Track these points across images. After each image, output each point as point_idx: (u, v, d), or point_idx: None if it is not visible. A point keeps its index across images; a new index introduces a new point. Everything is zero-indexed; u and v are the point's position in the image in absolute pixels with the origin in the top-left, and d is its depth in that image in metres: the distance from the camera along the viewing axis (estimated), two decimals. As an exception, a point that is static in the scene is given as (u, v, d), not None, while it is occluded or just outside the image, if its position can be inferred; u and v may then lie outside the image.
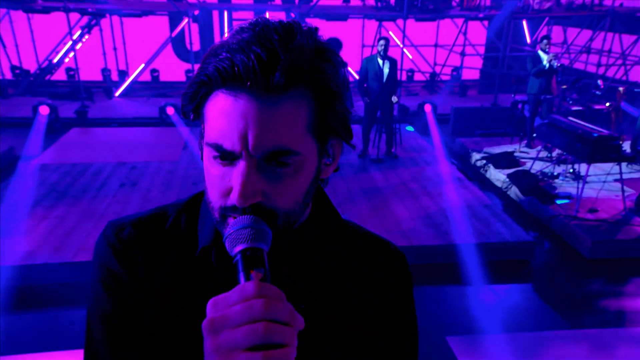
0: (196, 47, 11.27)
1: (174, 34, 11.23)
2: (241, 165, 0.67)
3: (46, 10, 9.26)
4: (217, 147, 0.69)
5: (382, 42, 6.82)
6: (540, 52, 7.26)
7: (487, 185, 6.86)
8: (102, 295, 0.81)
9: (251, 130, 0.66)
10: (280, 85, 0.65)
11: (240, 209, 0.70)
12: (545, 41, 7.34)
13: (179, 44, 11.59)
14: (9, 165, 6.96)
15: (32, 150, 7.33)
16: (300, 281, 0.76)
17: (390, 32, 10.65)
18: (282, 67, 0.64)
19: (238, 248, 0.66)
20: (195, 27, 10.92)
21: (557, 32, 11.41)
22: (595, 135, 5.48)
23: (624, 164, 6.31)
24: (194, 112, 0.76)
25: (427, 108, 9.13)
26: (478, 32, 12.10)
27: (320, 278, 0.85)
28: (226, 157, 0.70)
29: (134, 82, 11.04)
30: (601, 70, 9.81)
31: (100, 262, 0.83)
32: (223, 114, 0.68)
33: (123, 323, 0.82)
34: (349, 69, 7.20)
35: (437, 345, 3.77)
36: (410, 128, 8.62)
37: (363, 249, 0.94)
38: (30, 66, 10.69)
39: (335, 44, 6.98)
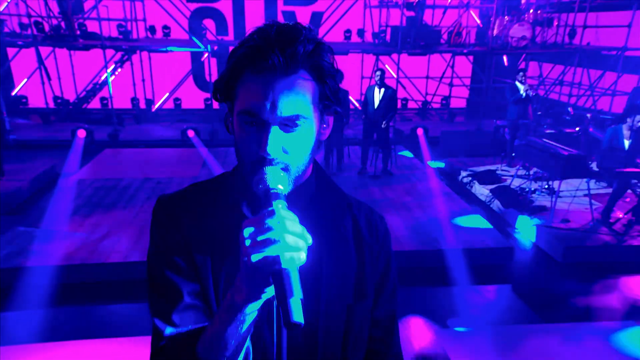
0: (214, 78, 11.37)
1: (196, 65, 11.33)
2: (268, 127, 0.78)
3: (86, 48, 9.45)
4: (249, 113, 0.79)
5: (378, 72, 6.85)
6: (518, 83, 7.32)
7: (472, 199, 6.83)
8: (155, 247, 0.93)
9: (276, 101, 0.77)
10: (295, 67, 0.77)
11: (267, 159, 0.80)
12: (521, 73, 7.38)
13: (199, 76, 11.69)
14: (51, 180, 7.00)
15: (71, 168, 7.38)
16: (304, 225, 0.79)
17: (387, 65, 10.74)
18: (296, 53, 0.76)
19: (265, 187, 0.77)
20: (214, 61, 10.98)
21: (533, 67, 11.47)
22: (566, 154, 5.54)
23: (591, 181, 6.33)
24: (225, 93, 0.86)
25: (419, 132, 9.25)
26: (464, 65, 12.13)
27: (320, 224, 0.93)
28: (255, 121, 0.79)
29: (159, 109, 11.20)
30: (572, 100, 9.90)
31: (155, 220, 0.95)
32: (252, 88, 0.79)
33: (172, 275, 0.90)
34: (350, 97, 7.32)
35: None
36: (408, 153, 8.66)
37: (352, 206, 1.02)
38: (70, 96, 10.77)
39: (339, 74, 7.24)
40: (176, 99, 11.50)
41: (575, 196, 6.24)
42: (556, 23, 10.46)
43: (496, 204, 6.36)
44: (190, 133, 9.13)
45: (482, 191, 6.82)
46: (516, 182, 6.75)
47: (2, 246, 4.75)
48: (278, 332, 0.90)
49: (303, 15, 11.77)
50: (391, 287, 1.10)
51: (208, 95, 11.57)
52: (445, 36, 10.56)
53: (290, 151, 0.82)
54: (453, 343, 3.70)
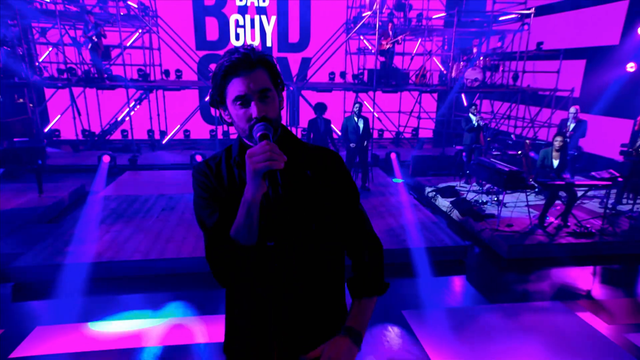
0: (219, 112, 11.60)
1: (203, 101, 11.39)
2: (253, 101, 1.11)
3: (112, 88, 9.51)
4: (239, 97, 1.12)
5: (357, 105, 6.94)
6: (471, 115, 7.47)
7: (435, 209, 6.95)
8: (200, 198, 1.24)
9: (251, 84, 1.11)
10: (255, 66, 1.12)
11: (257, 119, 1.11)
12: (473, 107, 7.48)
13: (205, 111, 11.78)
14: (81, 197, 7.11)
15: (98, 186, 7.49)
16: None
17: (365, 102, 10.77)
18: (253, 60, 1.11)
19: (259, 133, 1.08)
20: None
21: (486, 104, 11.69)
22: (507, 170, 5.71)
23: (531, 194, 6.69)
24: (219, 97, 1.18)
25: (393, 156, 9.40)
26: (429, 102, 12.32)
27: (291, 165, 1.17)
28: (243, 101, 1.11)
29: (170, 139, 11.15)
30: (518, 131, 10.12)
31: (195, 178, 1.27)
32: (237, 83, 1.12)
33: (210, 205, 1.21)
34: (332, 126, 7.52)
35: (395, 316, 3.90)
36: (397, 180, 8.58)
37: (314, 151, 1.29)
38: (96, 129, 10.82)
39: (321, 107, 7.47)
40: (186, 131, 11.56)
41: (517, 206, 6.45)
42: (502, 68, 10.65)
43: (455, 213, 6.51)
44: (199, 157, 9.14)
45: (443, 203, 6.97)
46: (471, 195, 6.94)
47: (44, 247, 4.83)
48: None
49: (294, 61, 11.89)
50: (359, 210, 1.34)
51: (213, 127, 11.58)
52: (412, 77, 10.69)
53: (268, 113, 1.14)
54: (418, 321, 3.84)
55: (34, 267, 4.44)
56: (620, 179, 5.65)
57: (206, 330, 3.67)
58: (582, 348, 3.51)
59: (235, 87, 1.14)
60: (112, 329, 3.69)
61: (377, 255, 1.35)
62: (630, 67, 7.63)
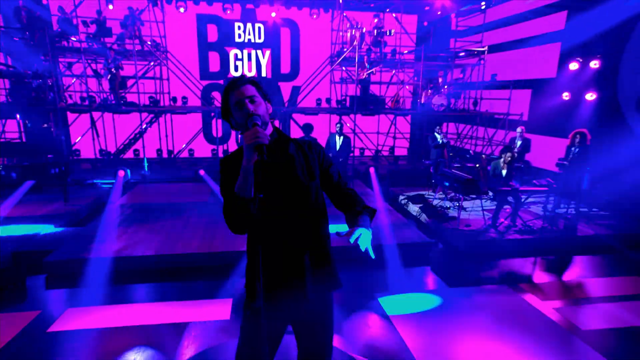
0: (220, 134, 11.48)
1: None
2: (245, 103, 1.44)
3: (127, 112, 9.73)
4: (236, 102, 1.45)
5: (338, 125, 7.26)
6: (436, 134, 7.79)
7: (407, 214, 7.12)
8: (224, 177, 1.52)
9: (243, 92, 1.44)
10: (246, 83, 1.46)
11: (251, 114, 1.42)
12: (437, 127, 7.85)
13: (207, 133, 11.90)
14: (100, 205, 7.26)
15: (114, 197, 7.57)
16: (272, 152, 1.43)
17: (347, 124, 11.05)
18: (245, 80, 1.46)
19: (251, 122, 1.39)
20: (219, 122, 11.18)
21: (452, 126, 11.98)
22: (464, 178, 6.07)
23: (487, 200, 7.00)
24: (225, 108, 1.50)
25: (371, 170, 9.18)
26: (403, 124, 12.58)
27: (280, 152, 1.50)
28: (239, 104, 1.43)
29: (177, 157, 11.28)
30: (479, 149, 10.41)
31: (221, 165, 1.57)
32: (234, 94, 1.45)
33: (228, 184, 1.49)
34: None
35: (371, 303, 4.04)
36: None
37: (298, 141, 1.60)
38: (112, 148, 10.92)
39: (309, 127, 7.98)
40: (190, 150, 11.68)
41: (474, 210, 6.81)
42: (463, 96, 11.10)
43: (423, 217, 6.70)
44: (202, 172, 9.19)
45: (414, 208, 7.18)
46: (437, 202, 7.25)
47: (71, 245, 5.02)
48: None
49: (286, 88, 12.11)
50: (335, 169, 1.64)
51: (214, 146, 11.72)
52: (388, 103, 10.94)
53: (257, 110, 1.48)
54: (390, 304, 4.01)
55: (63, 261, 4.63)
56: (554, 185, 6.11)
57: (208, 311, 3.85)
58: (522, 321, 3.79)
59: (233, 96, 1.51)
60: (128, 310, 3.86)
61: (355, 192, 1.67)
62: (565, 95, 8.27)
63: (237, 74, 11.83)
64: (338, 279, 1.60)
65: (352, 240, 1.38)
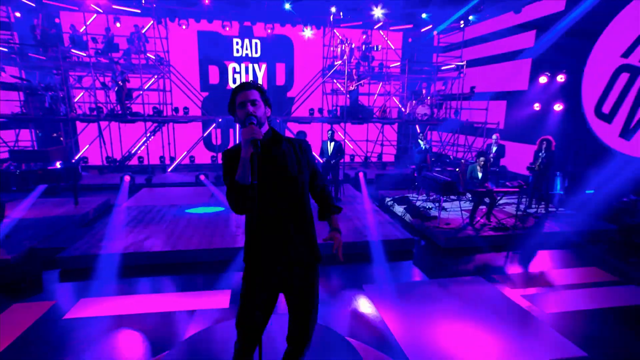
0: (219, 142, 11.67)
1: (204, 134, 11.66)
2: (248, 104, 1.62)
3: (132, 121, 9.90)
4: (241, 102, 1.63)
5: (330, 132, 7.38)
6: (419, 140, 7.98)
7: (393, 215, 7.24)
8: (225, 167, 1.67)
9: (247, 95, 1.62)
10: (251, 88, 1.65)
11: (250, 114, 1.60)
12: (421, 135, 8.05)
13: (207, 141, 11.99)
14: (108, 207, 7.39)
15: (121, 200, 7.70)
16: (266, 148, 1.63)
17: (339, 132, 11.16)
18: (251, 85, 1.64)
19: (249, 121, 1.57)
20: (218, 131, 11.51)
21: (435, 134, 12.18)
22: (443, 180, 6.24)
23: (463, 200, 7.22)
24: (232, 105, 1.66)
25: (360, 175, 9.67)
26: (390, 132, 12.77)
27: (273, 148, 1.66)
28: (242, 104, 1.60)
29: (178, 164, 11.37)
30: (460, 155, 10.66)
31: (223, 157, 1.71)
32: (240, 96, 1.63)
33: (230, 173, 1.64)
34: (313, 153, 7.79)
35: (357, 291, 4.17)
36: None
37: (290, 139, 1.76)
38: (117, 155, 10.96)
39: (303, 135, 8.24)
40: (191, 157, 11.77)
41: (453, 210, 7.03)
42: (445, 106, 11.36)
43: (407, 217, 6.85)
44: (202, 177, 9.44)
45: (399, 209, 7.32)
46: (419, 203, 7.44)
47: (82, 243, 5.15)
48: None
49: (281, 99, 12.25)
50: (316, 169, 1.82)
51: (214, 153, 11.83)
52: (376, 112, 11.10)
53: (256, 112, 1.65)
54: (376, 293, 4.17)
55: (75, 257, 4.77)
56: (525, 187, 6.38)
57: (209, 301, 4.00)
58: (491, 305, 3.99)
59: (239, 98, 1.70)
60: (136, 300, 3.99)
61: (329, 192, 1.92)
62: (536, 106, 8.63)
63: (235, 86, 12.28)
64: (318, 250, 1.80)
65: (335, 250, 1.78)
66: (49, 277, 4.55)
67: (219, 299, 4.01)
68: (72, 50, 9.31)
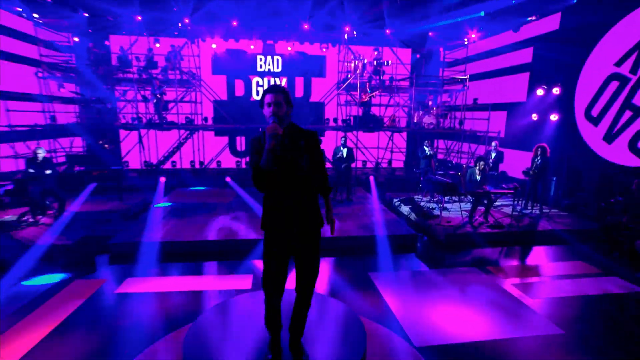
0: (243, 148, 11.96)
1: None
2: (273, 105, 1.92)
3: (168, 129, 10.45)
4: (268, 103, 1.93)
5: (342, 138, 7.68)
6: (425, 147, 8.12)
7: (400, 214, 7.36)
8: (252, 153, 1.97)
9: (273, 98, 1.91)
10: (279, 91, 1.95)
11: (274, 113, 1.90)
12: (426, 142, 8.21)
13: (232, 147, 12.25)
14: (147, 205, 7.71)
15: (157, 199, 8.01)
16: (286, 140, 1.91)
17: (351, 139, 11.19)
18: (278, 88, 1.93)
19: (272, 119, 1.89)
20: (243, 138, 11.84)
21: (442, 142, 12.15)
22: (445, 182, 6.44)
23: (464, 201, 7.31)
24: (261, 102, 1.95)
25: (371, 178, 9.88)
26: (400, 140, 12.78)
27: (292, 139, 1.93)
28: (269, 104, 1.90)
29: (207, 168, 11.59)
30: (464, 161, 10.63)
31: (251, 144, 2.00)
32: (268, 97, 1.92)
33: (256, 156, 1.92)
34: (325, 155, 7.68)
35: (364, 278, 4.32)
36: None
37: (305, 131, 2.02)
38: (154, 160, 11.32)
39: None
40: (218, 162, 12.07)
41: (454, 209, 7.13)
42: (450, 116, 11.38)
43: (412, 215, 6.99)
44: (228, 179, 9.82)
45: (405, 209, 7.46)
46: (424, 203, 7.55)
47: (127, 233, 5.55)
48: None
49: (302, 108, 12.38)
50: (319, 159, 2.05)
51: (239, 159, 12.09)
52: (386, 122, 11.13)
53: (279, 112, 1.92)
54: (380, 279, 4.31)
55: (122, 243, 5.18)
56: (519, 189, 6.46)
57: (233, 283, 4.27)
58: (484, 292, 4.15)
59: (267, 98, 1.97)
60: (173, 281, 4.29)
61: (327, 180, 2.17)
62: (534, 116, 8.70)
63: (258, 98, 12.62)
64: (321, 217, 2.09)
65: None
66: (100, 259, 4.97)
67: (242, 282, 4.29)
68: (119, 69, 9.99)
